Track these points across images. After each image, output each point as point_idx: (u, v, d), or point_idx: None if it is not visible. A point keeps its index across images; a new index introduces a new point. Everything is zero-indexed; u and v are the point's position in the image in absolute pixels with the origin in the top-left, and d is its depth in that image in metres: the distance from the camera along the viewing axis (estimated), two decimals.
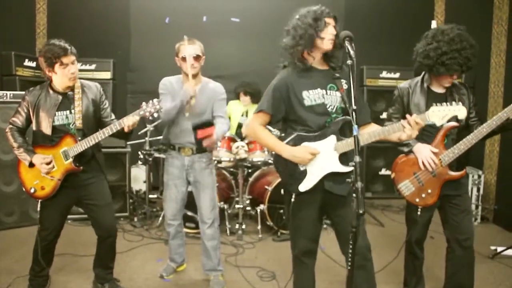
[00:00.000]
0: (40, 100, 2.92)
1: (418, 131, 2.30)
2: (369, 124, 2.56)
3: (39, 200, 2.96)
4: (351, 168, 2.34)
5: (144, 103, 2.89)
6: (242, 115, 5.52)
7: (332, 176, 2.39)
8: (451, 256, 2.96)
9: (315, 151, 2.35)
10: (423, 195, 2.79)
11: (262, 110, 2.51)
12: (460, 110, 2.33)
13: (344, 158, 2.38)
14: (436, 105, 2.36)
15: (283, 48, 2.48)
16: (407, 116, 2.31)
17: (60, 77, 2.87)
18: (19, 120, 2.98)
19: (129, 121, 2.82)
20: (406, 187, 2.83)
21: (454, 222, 2.89)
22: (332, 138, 2.39)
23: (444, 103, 2.36)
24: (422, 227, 2.99)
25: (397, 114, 2.98)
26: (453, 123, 2.64)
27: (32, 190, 2.94)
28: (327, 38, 2.36)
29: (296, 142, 2.42)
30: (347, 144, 2.36)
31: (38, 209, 2.96)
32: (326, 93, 2.44)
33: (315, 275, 2.68)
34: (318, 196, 2.46)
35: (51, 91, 2.94)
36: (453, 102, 2.37)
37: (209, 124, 3.06)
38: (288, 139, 2.45)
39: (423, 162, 2.75)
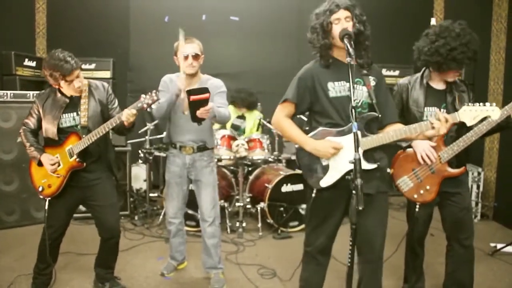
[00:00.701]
0: (47, 103, 2.97)
1: (447, 129, 2.25)
2: (396, 123, 2.51)
3: (48, 199, 2.98)
4: (375, 165, 2.35)
5: (142, 95, 2.89)
6: (238, 117, 5.53)
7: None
8: (451, 254, 2.96)
9: (338, 146, 2.33)
10: (422, 192, 2.79)
11: (287, 100, 2.49)
12: (494, 111, 2.28)
13: (369, 155, 2.34)
14: (468, 104, 2.32)
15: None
16: (436, 110, 2.29)
17: (65, 89, 2.92)
18: (31, 122, 3.04)
19: (125, 114, 2.82)
20: (404, 183, 2.84)
21: (454, 220, 2.89)
22: (357, 133, 2.37)
23: (477, 103, 2.31)
24: (423, 224, 3.00)
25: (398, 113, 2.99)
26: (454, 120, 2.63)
27: (40, 189, 3.00)
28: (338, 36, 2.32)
29: (319, 137, 2.40)
30: (373, 140, 2.33)
31: (46, 207, 2.98)
32: (352, 87, 2.36)
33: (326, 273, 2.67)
34: (343, 196, 2.39)
35: (58, 95, 2.98)
36: (487, 103, 2.31)
37: (204, 90, 2.92)
38: (312, 133, 2.43)
39: (422, 156, 2.76)
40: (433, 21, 6.15)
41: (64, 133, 2.95)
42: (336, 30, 2.32)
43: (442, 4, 6.47)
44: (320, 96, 2.42)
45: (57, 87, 2.92)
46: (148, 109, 2.92)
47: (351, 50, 2.17)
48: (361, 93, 2.40)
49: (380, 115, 2.29)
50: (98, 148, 3.01)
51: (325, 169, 2.39)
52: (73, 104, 2.97)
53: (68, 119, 2.96)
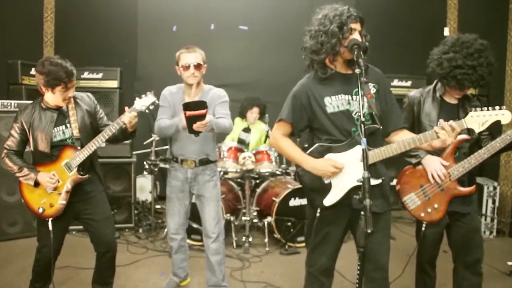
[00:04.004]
0: (34, 119, 2.84)
1: (454, 138, 2.16)
2: (402, 129, 2.39)
3: (50, 219, 2.83)
4: (379, 181, 2.24)
5: (137, 98, 2.83)
6: (244, 130, 5.43)
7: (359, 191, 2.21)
8: (456, 278, 2.84)
9: (338, 165, 2.21)
10: (429, 210, 2.65)
11: (282, 119, 2.40)
12: (504, 115, 2.18)
13: (372, 170, 2.17)
14: (476, 110, 2.21)
15: (304, 49, 2.34)
16: (441, 121, 2.17)
17: (55, 97, 2.79)
18: (13, 143, 2.90)
19: (126, 118, 2.76)
20: (411, 200, 2.70)
21: (461, 241, 2.76)
22: (358, 148, 2.22)
23: (485, 108, 2.21)
24: (433, 245, 2.85)
25: (406, 123, 2.85)
26: (465, 136, 2.49)
27: (40, 210, 2.84)
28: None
29: (319, 153, 2.30)
30: (375, 154, 2.22)
31: (50, 228, 2.83)
32: (352, 99, 2.27)
33: None
34: (346, 214, 2.32)
35: (44, 108, 2.86)
36: (496, 106, 2.21)
37: (201, 104, 2.80)
38: (311, 149, 2.33)
39: (432, 175, 2.62)
40: (446, 31, 6.04)
41: (55, 147, 2.84)
42: (350, 39, 2.19)
43: (456, 13, 6.33)
44: (317, 113, 2.31)
45: (46, 92, 2.78)
46: (147, 111, 2.84)
47: (360, 61, 2.05)
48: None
49: (381, 127, 2.14)
50: (89, 157, 2.88)
51: (328, 187, 2.28)
52: (61, 117, 2.87)
53: (58, 133, 2.85)
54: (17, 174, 2.86)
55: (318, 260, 2.46)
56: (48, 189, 2.82)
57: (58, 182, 2.82)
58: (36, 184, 2.84)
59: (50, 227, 2.83)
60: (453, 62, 2.54)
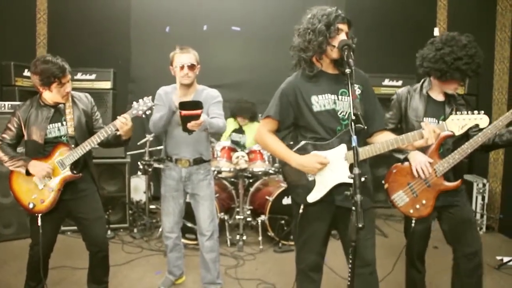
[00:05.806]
0: (31, 114, 2.87)
1: (435, 139, 2.24)
2: (383, 131, 2.47)
3: (39, 215, 2.85)
4: (363, 179, 2.26)
5: (135, 102, 2.86)
6: (234, 131, 5.45)
7: (343, 189, 2.23)
8: (456, 269, 2.87)
9: (324, 161, 2.27)
10: (417, 206, 2.72)
11: (269, 116, 2.43)
12: (482, 119, 2.31)
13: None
14: (456, 113, 2.32)
15: (292, 48, 2.38)
16: (423, 123, 2.26)
17: (53, 95, 2.83)
18: (8, 136, 2.93)
19: (118, 121, 2.78)
20: (399, 198, 2.76)
21: (455, 233, 2.81)
22: (343, 147, 2.30)
23: (465, 112, 2.32)
24: (421, 239, 2.91)
25: (394, 119, 2.93)
26: (448, 132, 2.56)
27: (31, 205, 2.85)
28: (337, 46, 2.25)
29: (304, 151, 2.34)
30: (360, 153, 2.25)
31: (39, 223, 2.83)
32: (338, 99, 2.34)
33: None
34: (329, 211, 2.37)
35: (42, 105, 2.90)
36: (475, 111, 2.32)
37: (197, 105, 2.85)
38: (296, 147, 2.37)
39: (416, 169, 2.68)
40: (436, 31, 6.12)
41: (48, 143, 2.86)
42: (338, 39, 2.25)
43: (445, 13, 6.42)
44: (304, 111, 2.37)
45: (43, 91, 2.82)
46: (143, 116, 2.86)
47: (350, 61, 2.11)
48: (347, 105, 2.33)
49: (365, 127, 2.18)
50: (83, 156, 2.90)
51: (312, 184, 2.33)
52: (57, 114, 2.91)
53: (53, 130, 2.88)
54: (8, 163, 2.87)
55: (307, 258, 2.51)
56: (40, 184, 2.84)
57: (50, 177, 2.84)
58: (28, 173, 2.84)
59: (40, 223, 2.84)
60: (453, 55, 2.64)
